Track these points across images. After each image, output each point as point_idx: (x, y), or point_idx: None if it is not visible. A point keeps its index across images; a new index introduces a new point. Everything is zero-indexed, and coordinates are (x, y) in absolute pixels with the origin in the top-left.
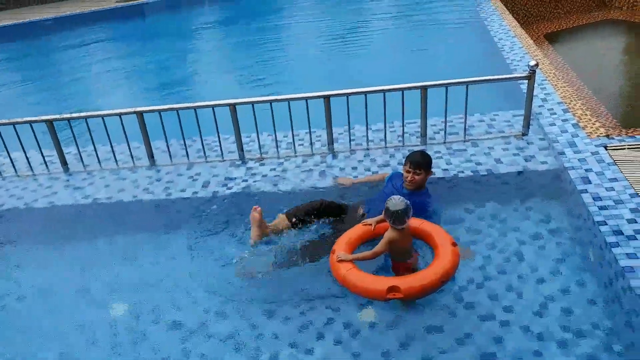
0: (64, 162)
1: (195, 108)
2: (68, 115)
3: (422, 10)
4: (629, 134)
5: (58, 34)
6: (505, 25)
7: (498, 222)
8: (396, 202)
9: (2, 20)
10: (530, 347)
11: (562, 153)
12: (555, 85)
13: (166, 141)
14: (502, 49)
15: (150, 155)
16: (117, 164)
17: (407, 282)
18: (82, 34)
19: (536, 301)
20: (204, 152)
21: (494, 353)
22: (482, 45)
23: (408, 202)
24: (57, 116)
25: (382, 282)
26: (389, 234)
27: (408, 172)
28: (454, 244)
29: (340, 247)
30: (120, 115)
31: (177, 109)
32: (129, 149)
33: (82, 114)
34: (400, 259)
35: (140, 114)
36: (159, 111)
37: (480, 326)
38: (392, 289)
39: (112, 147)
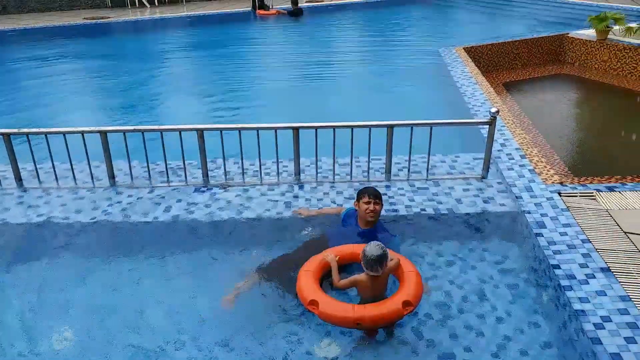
0: (18, 178)
1: (161, 131)
2: (27, 130)
3: (390, 54)
4: (580, 182)
5: (22, 46)
6: (467, 73)
7: (458, 260)
8: (371, 248)
9: None
10: None
11: (520, 197)
12: (514, 131)
13: (129, 162)
14: (464, 94)
15: (111, 176)
16: (75, 182)
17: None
18: (48, 48)
19: (494, 342)
20: (167, 176)
21: None
22: (445, 89)
23: (385, 250)
24: (15, 130)
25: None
26: (359, 276)
27: (368, 203)
28: (418, 274)
29: (316, 292)
30: (82, 133)
31: (142, 131)
32: (90, 168)
33: (43, 130)
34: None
35: (104, 134)
36: (124, 132)
37: None
38: (406, 303)
39: (71, 165)
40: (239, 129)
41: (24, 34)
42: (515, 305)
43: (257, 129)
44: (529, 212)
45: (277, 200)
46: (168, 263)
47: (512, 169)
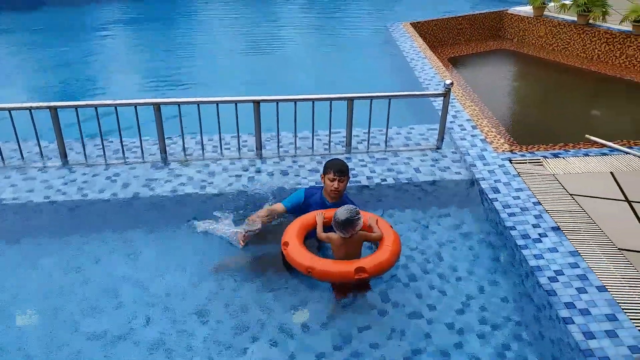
0: None
1: (116, 106)
2: None
3: (339, 30)
4: (528, 150)
5: None
6: (416, 47)
7: (419, 227)
8: (342, 211)
9: None
10: (453, 340)
11: (473, 165)
12: (464, 104)
13: (82, 140)
14: (414, 69)
15: (63, 155)
16: (23, 161)
17: (370, 261)
18: None
19: (457, 299)
20: (123, 153)
21: (424, 348)
22: (396, 64)
23: (353, 215)
24: None
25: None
26: (333, 234)
27: (333, 180)
28: (394, 251)
29: (291, 237)
30: (30, 109)
31: (95, 106)
32: (39, 146)
33: None
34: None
35: (54, 109)
36: (76, 107)
37: (409, 324)
38: (359, 269)
39: (18, 143)
40: (198, 103)
41: None
42: (475, 265)
43: (217, 102)
44: (483, 179)
45: (240, 175)
46: (131, 240)
47: (465, 139)
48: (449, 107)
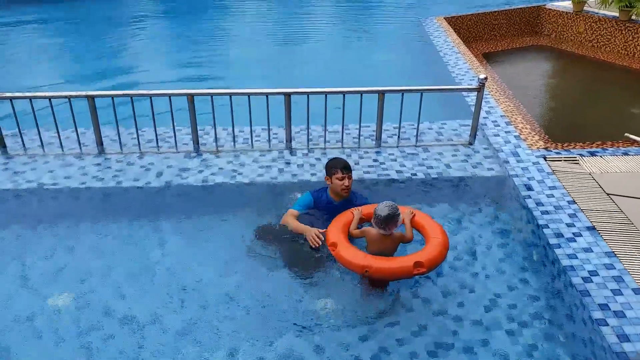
0: (2, 145)
1: (151, 96)
2: (10, 95)
3: (371, 25)
4: (564, 148)
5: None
6: (449, 42)
7: (449, 222)
8: (382, 207)
9: None
10: (480, 337)
11: (507, 162)
12: (498, 99)
13: (117, 128)
14: (447, 63)
15: (99, 143)
16: (62, 149)
17: (426, 255)
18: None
19: (485, 297)
20: (157, 142)
21: (451, 344)
22: (429, 59)
23: (395, 211)
24: None
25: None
26: (369, 228)
27: (342, 178)
28: (444, 242)
29: (338, 237)
30: (69, 97)
31: (131, 95)
32: (77, 134)
33: (28, 94)
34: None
35: (91, 98)
36: (112, 96)
37: (435, 320)
38: (418, 264)
39: (57, 130)
40: (230, 94)
41: None
42: (505, 262)
43: (249, 94)
44: (516, 176)
45: (269, 166)
46: (164, 227)
47: (498, 135)
48: (483, 103)
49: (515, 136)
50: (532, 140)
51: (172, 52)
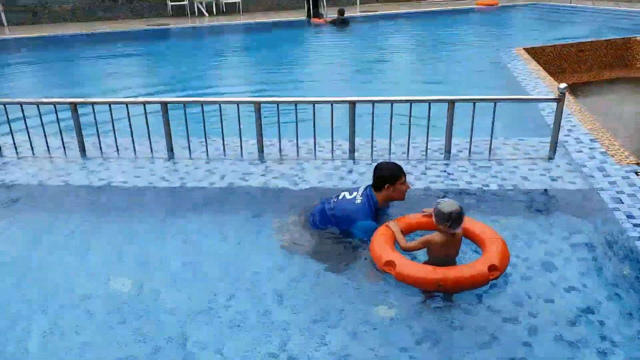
0: (82, 149)
1: (220, 103)
2: (93, 100)
3: (447, 55)
4: None
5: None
6: (528, 69)
7: (524, 234)
8: (450, 202)
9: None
10: (562, 354)
11: (591, 176)
12: (581, 119)
13: (187, 135)
14: (525, 87)
15: (170, 149)
16: (135, 154)
17: (495, 257)
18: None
19: (565, 309)
20: (224, 150)
21: (524, 358)
22: (506, 83)
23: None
24: (81, 100)
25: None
26: (431, 236)
27: (404, 182)
28: (503, 241)
29: (393, 254)
30: (144, 103)
31: (202, 102)
32: (149, 140)
33: (107, 100)
34: (439, 262)
35: (165, 104)
36: (184, 103)
37: (506, 330)
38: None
39: (132, 137)
40: (295, 102)
41: (93, 37)
42: (590, 277)
43: (314, 102)
44: (602, 190)
45: (331, 174)
46: (223, 222)
47: (582, 152)
48: (564, 122)
49: (601, 152)
50: (621, 156)
51: (247, 75)
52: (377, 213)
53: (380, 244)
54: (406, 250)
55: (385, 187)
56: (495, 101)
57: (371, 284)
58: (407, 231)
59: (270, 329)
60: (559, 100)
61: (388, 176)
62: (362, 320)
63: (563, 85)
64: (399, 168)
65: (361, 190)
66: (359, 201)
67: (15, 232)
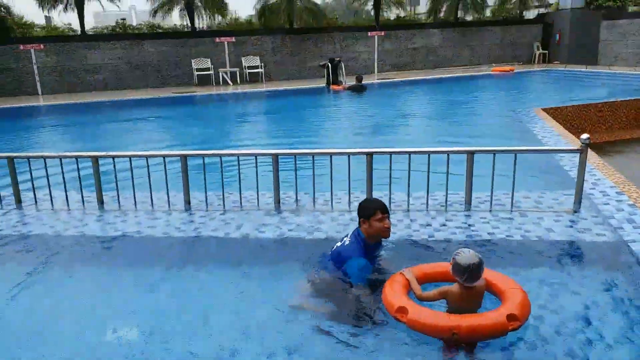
0: (100, 201)
1: (238, 155)
2: (113, 153)
3: (465, 117)
4: None
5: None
6: (548, 127)
7: (550, 286)
8: (468, 255)
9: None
10: None
11: (620, 228)
12: (605, 172)
13: (205, 187)
14: (546, 144)
15: (187, 201)
16: (152, 206)
17: (514, 307)
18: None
19: None
20: (240, 202)
21: None
22: (526, 140)
23: (480, 256)
24: (103, 153)
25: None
26: (450, 287)
27: (382, 219)
28: (524, 291)
29: (405, 300)
30: (164, 157)
31: (220, 155)
32: (167, 193)
33: (127, 153)
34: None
35: (184, 157)
36: (203, 156)
37: None
38: (511, 317)
39: (150, 190)
40: (313, 154)
41: (120, 104)
42: (632, 332)
43: (331, 154)
44: (633, 242)
45: (347, 225)
46: (235, 273)
47: (608, 204)
48: (588, 176)
49: (629, 204)
50: None
51: (267, 135)
52: (368, 251)
53: (393, 291)
54: (422, 300)
55: (361, 221)
56: (515, 152)
57: (385, 334)
58: (424, 281)
59: None
60: (582, 151)
61: (360, 210)
62: None
63: (585, 135)
64: (376, 204)
65: (350, 232)
66: (347, 242)
67: (28, 281)
